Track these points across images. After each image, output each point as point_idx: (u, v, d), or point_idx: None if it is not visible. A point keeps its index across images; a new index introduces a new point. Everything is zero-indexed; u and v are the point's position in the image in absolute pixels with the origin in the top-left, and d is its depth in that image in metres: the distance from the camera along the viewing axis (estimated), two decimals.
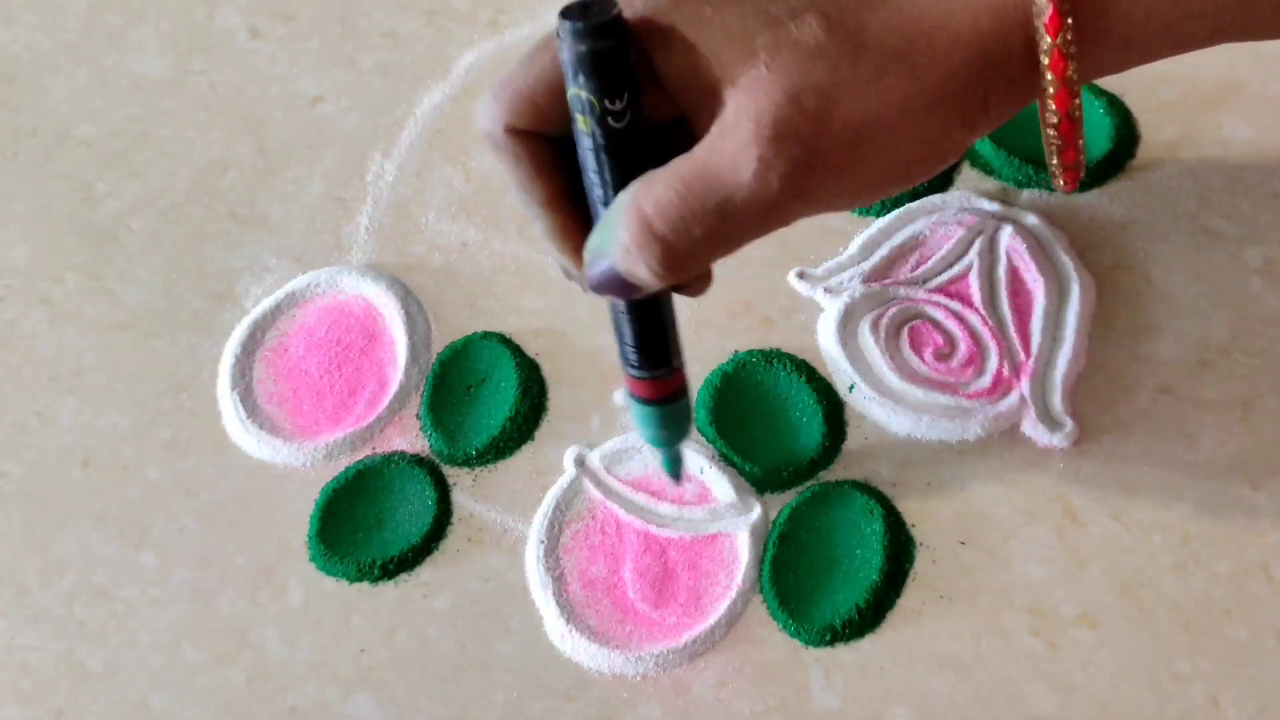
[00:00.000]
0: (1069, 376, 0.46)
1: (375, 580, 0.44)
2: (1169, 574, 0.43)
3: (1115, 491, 0.44)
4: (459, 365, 0.48)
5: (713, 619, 0.43)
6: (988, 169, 0.50)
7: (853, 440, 0.46)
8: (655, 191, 0.33)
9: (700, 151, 0.33)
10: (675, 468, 0.42)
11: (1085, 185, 0.50)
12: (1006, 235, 0.48)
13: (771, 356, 0.47)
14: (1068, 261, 0.48)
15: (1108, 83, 0.51)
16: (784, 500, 0.45)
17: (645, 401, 0.39)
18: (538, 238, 0.37)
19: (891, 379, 0.46)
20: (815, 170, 0.33)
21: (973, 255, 0.48)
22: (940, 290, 0.48)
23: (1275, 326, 0.47)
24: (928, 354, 0.47)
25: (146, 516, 0.46)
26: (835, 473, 0.45)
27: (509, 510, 0.45)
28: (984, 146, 0.50)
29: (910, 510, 0.44)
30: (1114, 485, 0.44)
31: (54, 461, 0.47)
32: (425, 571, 0.44)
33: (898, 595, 0.43)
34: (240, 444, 0.47)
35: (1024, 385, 0.46)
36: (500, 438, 0.46)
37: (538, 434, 0.47)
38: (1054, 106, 0.35)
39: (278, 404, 0.48)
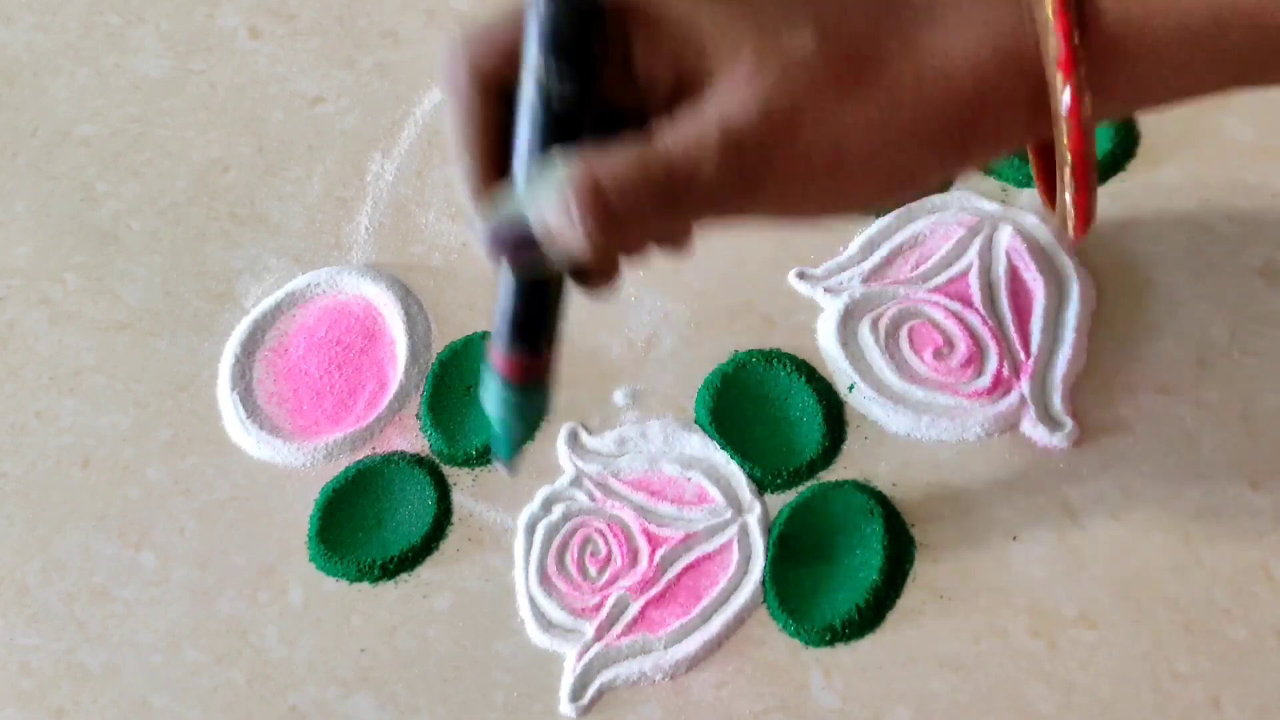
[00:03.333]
0: (1069, 376, 0.46)
1: (375, 580, 0.44)
2: (1169, 574, 0.43)
3: (1115, 491, 0.44)
4: (459, 365, 0.48)
5: (713, 619, 0.43)
6: (987, 169, 0.50)
7: (853, 440, 0.46)
8: (612, 161, 0.33)
9: (664, 136, 0.33)
10: (508, 451, 0.39)
11: None
12: (1006, 235, 0.48)
13: (771, 356, 0.47)
14: (1068, 261, 0.48)
15: None
16: (784, 500, 0.45)
17: (505, 381, 0.37)
18: (457, 178, 0.36)
19: (891, 379, 0.46)
20: (771, 179, 0.34)
21: (972, 255, 0.48)
22: (940, 290, 0.48)
23: (1275, 326, 0.47)
24: (927, 354, 0.47)
25: (146, 516, 0.46)
26: (835, 473, 0.45)
27: (509, 510, 0.45)
28: None
29: (910, 510, 0.44)
30: (1114, 485, 0.44)
31: (54, 461, 0.47)
32: (425, 571, 0.44)
33: (898, 595, 0.43)
34: (240, 444, 0.47)
35: (1024, 385, 0.46)
36: None
37: (538, 434, 0.47)
38: (1068, 148, 0.34)
39: (278, 404, 0.48)
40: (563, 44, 0.33)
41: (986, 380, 0.46)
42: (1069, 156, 0.34)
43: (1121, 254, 0.48)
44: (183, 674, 0.43)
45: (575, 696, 0.42)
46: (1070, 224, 0.36)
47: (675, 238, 0.37)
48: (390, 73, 0.56)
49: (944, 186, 0.50)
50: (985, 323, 0.47)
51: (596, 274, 0.37)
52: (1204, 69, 0.35)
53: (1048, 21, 0.33)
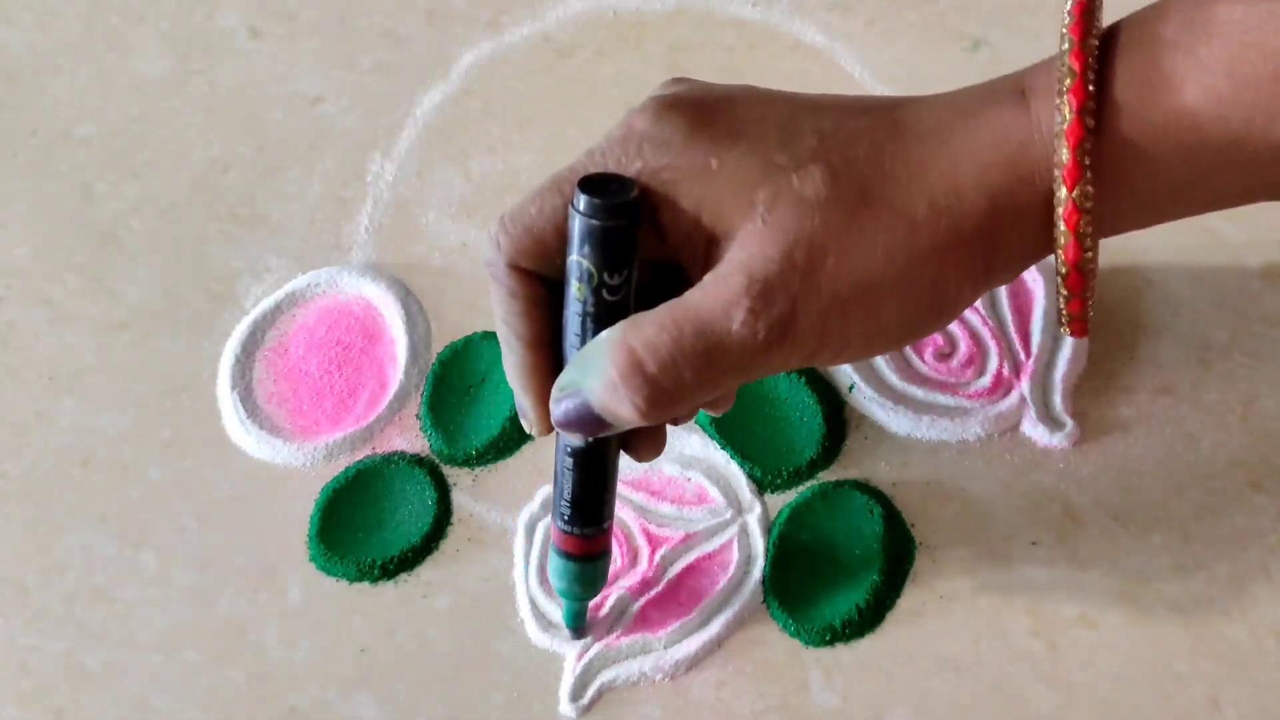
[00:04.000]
0: (1069, 376, 0.46)
1: (375, 580, 0.44)
2: (1169, 574, 0.43)
3: (1115, 491, 0.44)
4: (459, 365, 0.48)
5: (713, 619, 0.43)
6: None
7: (853, 440, 0.46)
8: (646, 332, 0.34)
9: (693, 296, 0.34)
10: (577, 621, 0.42)
11: None
12: None
13: None
14: None
15: None
16: (784, 500, 0.45)
17: (568, 556, 0.40)
18: (508, 369, 0.38)
19: (891, 379, 0.46)
20: (802, 324, 0.34)
21: None
22: None
23: (1275, 327, 0.47)
24: (928, 354, 0.47)
25: (146, 516, 0.46)
26: (835, 473, 0.45)
27: (509, 510, 0.45)
28: None
29: (910, 510, 0.44)
30: (1114, 485, 0.44)
31: (54, 461, 0.47)
32: (425, 571, 0.44)
33: (898, 595, 0.43)
34: (240, 444, 0.47)
35: (1024, 385, 0.46)
36: (500, 438, 0.46)
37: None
38: (1063, 258, 0.35)
39: (278, 404, 0.48)
40: (605, 242, 0.35)
41: (987, 380, 0.46)
42: (1064, 267, 0.35)
43: (1121, 254, 0.48)
44: (183, 674, 0.43)
45: (575, 696, 0.42)
46: (1065, 327, 0.37)
47: (719, 398, 0.38)
48: (390, 73, 0.56)
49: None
50: (986, 323, 0.47)
51: (646, 444, 0.39)
52: (1223, 182, 0.35)
53: (1061, 131, 0.33)
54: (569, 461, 0.38)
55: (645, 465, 0.45)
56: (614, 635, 0.42)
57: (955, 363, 0.46)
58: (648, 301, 0.36)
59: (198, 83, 0.56)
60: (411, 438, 0.47)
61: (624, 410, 0.34)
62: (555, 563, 0.40)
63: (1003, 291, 0.47)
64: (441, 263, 0.51)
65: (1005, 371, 0.46)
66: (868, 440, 0.46)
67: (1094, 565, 0.43)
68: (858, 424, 0.46)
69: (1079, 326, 0.36)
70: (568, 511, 0.39)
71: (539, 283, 0.37)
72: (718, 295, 0.34)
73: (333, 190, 0.53)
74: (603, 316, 0.35)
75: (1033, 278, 0.47)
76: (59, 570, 0.45)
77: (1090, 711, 0.41)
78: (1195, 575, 0.43)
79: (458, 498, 0.46)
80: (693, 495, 0.45)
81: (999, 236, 0.35)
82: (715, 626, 0.42)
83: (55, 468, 0.47)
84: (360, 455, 0.47)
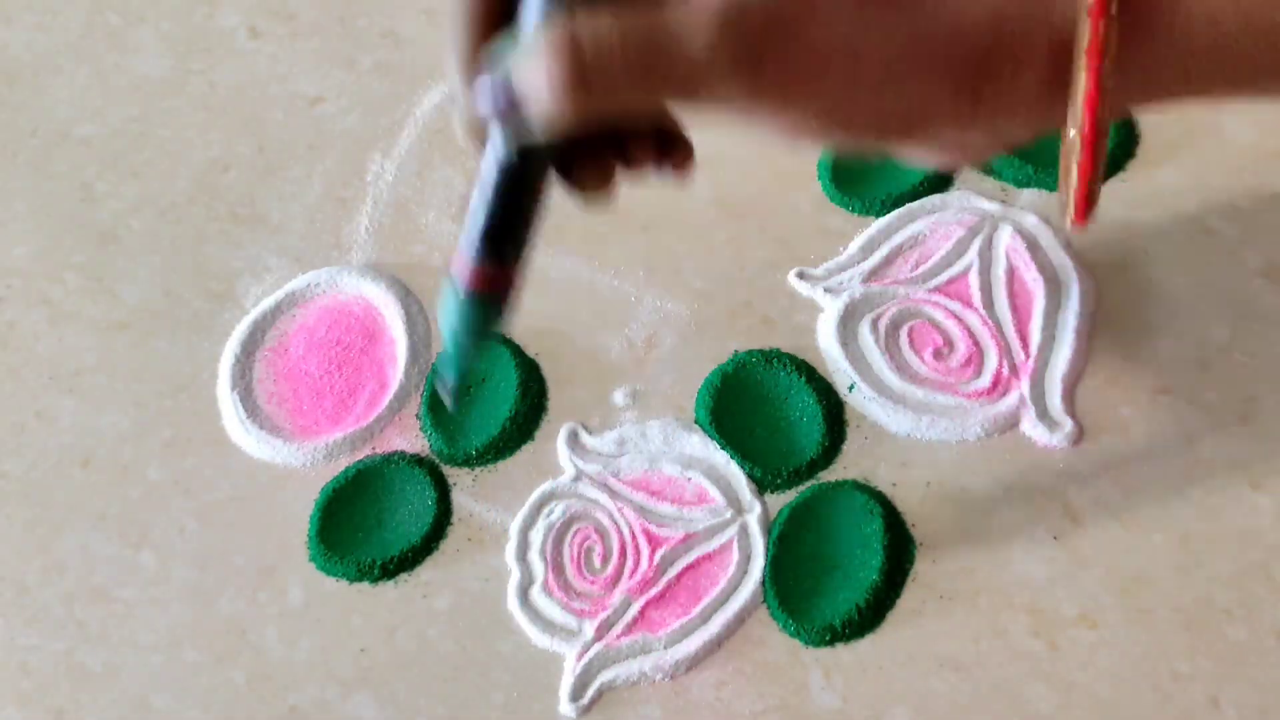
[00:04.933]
0: (1069, 376, 0.46)
1: (375, 580, 0.44)
2: (1169, 574, 0.43)
3: (1115, 491, 0.44)
4: None
5: (713, 619, 0.43)
6: (987, 169, 0.50)
7: (853, 440, 0.46)
8: (597, 20, 0.31)
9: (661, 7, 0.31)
10: (457, 368, 0.37)
11: None
12: (1006, 235, 0.48)
13: (771, 356, 0.47)
14: (1067, 261, 0.48)
15: None
16: (784, 500, 0.45)
17: (468, 290, 0.35)
18: (447, 54, 0.34)
19: (891, 379, 0.46)
20: (773, 65, 0.31)
21: (972, 255, 0.48)
22: (940, 290, 0.48)
23: (1275, 327, 0.47)
24: (927, 354, 0.47)
25: (146, 516, 0.46)
26: (835, 473, 0.45)
27: (509, 510, 0.45)
28: None
29: (910, 510, 0.44)
30: (1114, 485, 0.44)
31: (54, 461, 0.47)
32: (425, 571, 0.44)
33: (898, 595, 0.43)
34: (240, 444, 0.47)
35: (1023, 385, 0.46)
36: (500, 438, 0.46)
37: (538, 434, 0.47)
38: (1082, 106, 0.32)
39: (278, 404, 0.48)
40: None
41: (986, 380, 0.46)
42: (1078, 144, 0.32)
43: (1121, 254, 0.48)
44: (183, 674, 0.43)
45: (575, 696, 0.42)
46: (1070, 212, 0.34)
47: (674, 153, 0.35)
48: (390, 73, 0.56)
49: (946, 183, 0.50)
50: (985, 323, 0.47)
51: (589, 172, 0.35)
52: (1236, 61, 0.33)
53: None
54: (490, 179, 0.34)
55: (645, 465, 0.45)
56: (614, 635, 0.42)
57: (954, 362, 0.46)
58: None
59: (198, 83, 0.56)
60: (411, 438, 0.47)
61: (536, 78, 0.31)
62: (449, 298, 0.35)
63: (1002, 291, 0.47)
64: (441, 263, 0.51)
65: (1004, 371, 0.46)
66: (868, 440, 0.46)
67: (1094, 565, 0.43)
68: (858, 424, 0.46)
69: (1084, 208, 0.34)
70: (477, 233, 0.34)
71: None
72: (686, 6, 0.31)
73: (333, 190, 0.53)
74: None
75: (1032, 277, 0.47)
76: (59, 570, 0.45)
77: (1090, 711, 0.41)
78: (1195, 575, 0.43)
79: (458, 498, 0.46)
80: (693, 495, 0.45)
81: (995, 62, 0.32)
82: (715, 626, 0.42)
83: (55, 468, 0.47)
84: (360, 455, 0.47)
